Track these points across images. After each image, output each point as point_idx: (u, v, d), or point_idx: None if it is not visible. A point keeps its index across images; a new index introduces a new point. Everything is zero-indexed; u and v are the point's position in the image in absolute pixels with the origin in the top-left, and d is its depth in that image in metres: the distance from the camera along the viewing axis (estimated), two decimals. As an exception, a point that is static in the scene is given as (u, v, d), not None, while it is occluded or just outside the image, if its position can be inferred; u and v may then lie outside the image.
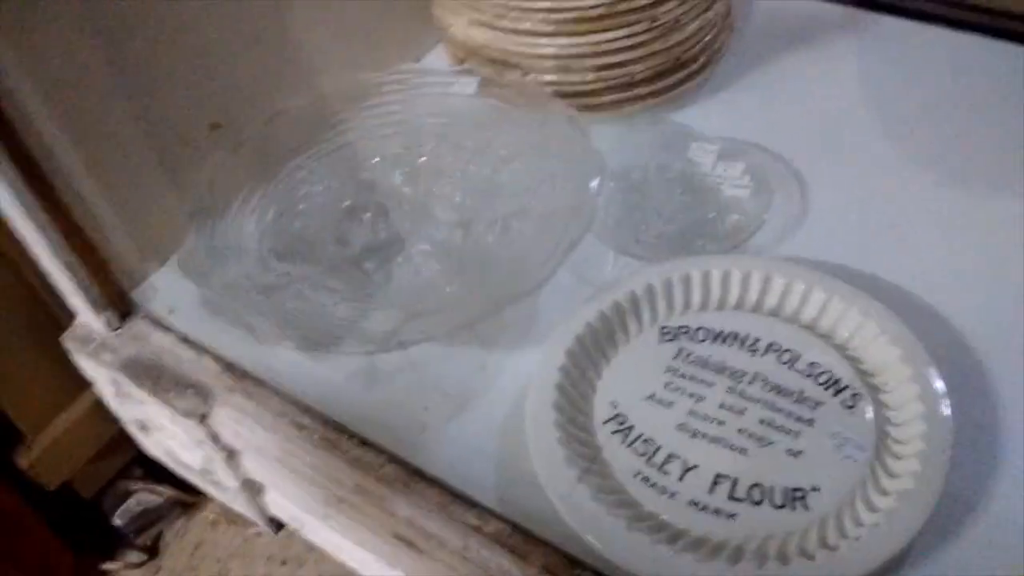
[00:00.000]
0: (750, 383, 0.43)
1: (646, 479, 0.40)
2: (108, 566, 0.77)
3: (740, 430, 0.42)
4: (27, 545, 0.70)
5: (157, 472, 0.71)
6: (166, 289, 0.55)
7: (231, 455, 0.51)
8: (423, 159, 0.55)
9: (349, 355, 0.48)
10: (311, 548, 0.67)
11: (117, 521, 0.76)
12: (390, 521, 0.43)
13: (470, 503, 0.43)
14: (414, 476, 0.44)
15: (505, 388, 0.47)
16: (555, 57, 0.57)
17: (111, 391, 0.55)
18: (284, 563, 0.76)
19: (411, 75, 0.58)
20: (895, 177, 0.54)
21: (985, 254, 0.49)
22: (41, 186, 0.48)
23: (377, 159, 0.56)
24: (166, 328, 0.53)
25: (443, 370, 0.48)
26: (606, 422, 0.43)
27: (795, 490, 0.39)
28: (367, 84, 0.57)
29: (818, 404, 0.42)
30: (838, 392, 0.42)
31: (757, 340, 0.45)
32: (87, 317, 0.54)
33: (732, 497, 0.39)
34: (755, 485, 0.40)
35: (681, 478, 0.40)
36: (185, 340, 0.52)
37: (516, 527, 0.41)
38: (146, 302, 0.54)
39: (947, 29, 0.64)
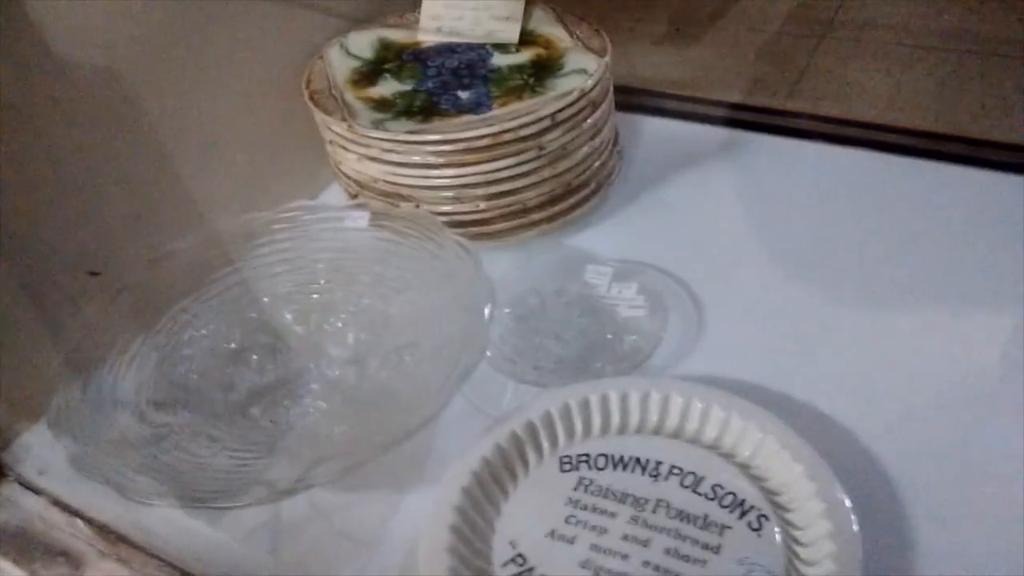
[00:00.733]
0: (654, 511, 0.41)
1: (549, 624, 0.38)
2: None
3: (645, 562, 0.39)
4: None
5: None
6: (39, 447, 0.51)
7: (106, 628, 0.47)
8: (315, 296, 0.54)
9: (234, 510, 0.45)
10: None
11: None
12: None
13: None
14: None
15: (401, 532, 0.44)
16: (447, 188, 0.57)
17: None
18: None
19: (302, 212, 0.57)
20: (786, 293, 0.54)
21: (880, 365, 0.49)
22: None
23: (267, 298, 0.54)
24: (36, 491, 0.49)
25: (338, 518, 0.45)
26: (505, 564, 0.40)
27: (706, 624, 0.37)
28: (257, 223, 0.56)
29: (724, 528, 0.40)
30: (743, 514, 0.41)
31: (659, 464, 0.43)
32: (-51, 485, 0.50)
33: (641, 638, 0.37)
34: (664, 622, 0.37)
35: (587, 620, 0.38)
36: (56, 503, 0.48)
37: None
38: (17, 464, 0.51)
39: (827, 144, 0.66)
